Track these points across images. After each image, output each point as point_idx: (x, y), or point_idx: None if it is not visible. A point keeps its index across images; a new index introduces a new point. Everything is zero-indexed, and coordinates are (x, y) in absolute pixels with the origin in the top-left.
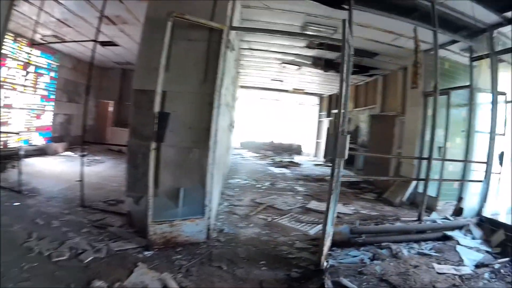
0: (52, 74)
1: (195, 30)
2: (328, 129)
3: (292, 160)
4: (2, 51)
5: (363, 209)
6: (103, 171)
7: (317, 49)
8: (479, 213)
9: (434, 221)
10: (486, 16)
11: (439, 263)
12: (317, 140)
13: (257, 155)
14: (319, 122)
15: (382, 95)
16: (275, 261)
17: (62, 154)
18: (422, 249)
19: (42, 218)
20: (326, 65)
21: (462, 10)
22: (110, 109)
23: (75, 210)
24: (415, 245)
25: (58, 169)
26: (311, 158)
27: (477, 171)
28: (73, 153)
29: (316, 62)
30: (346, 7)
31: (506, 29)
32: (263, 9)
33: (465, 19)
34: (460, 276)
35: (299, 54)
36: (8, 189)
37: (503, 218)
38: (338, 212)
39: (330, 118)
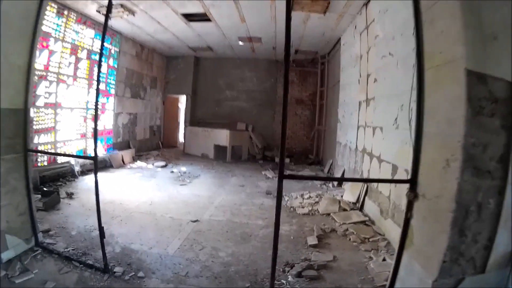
0: (111, 62)
1: None
2: None
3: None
4: (43, 27)
5: None
6: (213, 194)
7: None
8: None
9: None
10: None
11: None
12: None
13: None
14: None
15: None
16: None
17: (130, 165)
18: None
19: None
20: None
21: None
22: (180, 105)
23: None
24: None
25: (143, 196)
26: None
27: None
28: (145, 163)
29: None
30: None
31: None
32: None
33: None
34: None
35: None
36: (77, 261)
37: None
38: None
39: None
